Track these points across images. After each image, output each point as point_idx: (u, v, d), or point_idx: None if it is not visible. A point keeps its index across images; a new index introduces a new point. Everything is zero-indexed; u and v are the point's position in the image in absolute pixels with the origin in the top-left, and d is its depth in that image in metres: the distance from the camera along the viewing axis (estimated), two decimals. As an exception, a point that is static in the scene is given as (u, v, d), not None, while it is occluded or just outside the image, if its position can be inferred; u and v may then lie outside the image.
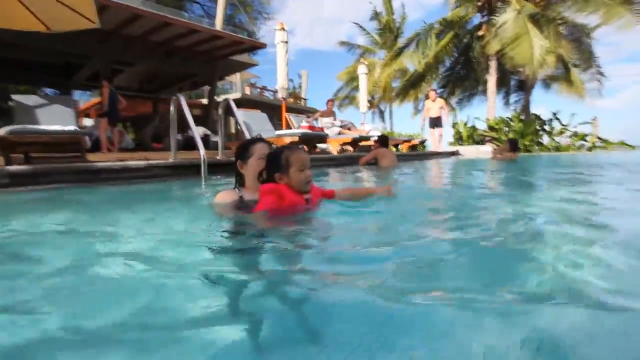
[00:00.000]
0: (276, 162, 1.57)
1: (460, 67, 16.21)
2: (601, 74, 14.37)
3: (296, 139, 5.88)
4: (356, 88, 22.83)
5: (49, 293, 0.89)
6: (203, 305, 0.79)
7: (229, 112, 4.51)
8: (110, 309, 0.79)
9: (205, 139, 9.06)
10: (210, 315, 0.75)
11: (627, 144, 12.94)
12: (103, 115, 6.97)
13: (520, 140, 11.62)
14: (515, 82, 15.96)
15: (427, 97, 15.89)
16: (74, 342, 0.67)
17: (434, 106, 10.80)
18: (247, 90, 15.59)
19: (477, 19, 14.62)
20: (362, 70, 10.17)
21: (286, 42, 7.10)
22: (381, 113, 24.69)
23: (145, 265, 1.06)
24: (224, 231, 1.47)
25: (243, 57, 10.49)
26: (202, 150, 3.29)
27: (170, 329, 0.70)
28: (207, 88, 11.85)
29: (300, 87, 24.22)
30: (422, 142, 11.77)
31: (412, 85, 17.40)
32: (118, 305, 0.81)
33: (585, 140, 12.64)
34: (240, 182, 1.87)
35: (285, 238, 1.28)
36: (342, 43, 22.78)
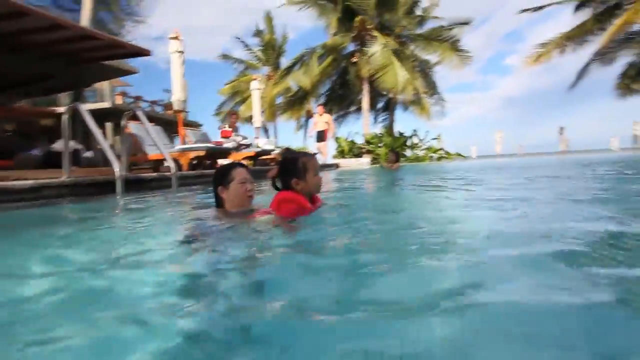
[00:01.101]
0: (293, 168, 1.63)
1: (339, 87, 18.06)
2: (442, 99, 18.25)
3: (202, 153, 5.61)
4: (240, 103, 22.62)
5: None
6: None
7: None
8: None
9: (75, 153, 7.61)
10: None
11: (461, 155, 16.86)
12: None
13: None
14: (382, 103, 18.72)
15: (308, 114, 17.02)
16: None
17: (321, 120, 11.82)
18: (119, 100, 13.72)
19: (352, 46, 16.65)
20: (255, 85, 10.30)
21: (182, 52, 6.68)
22: (265, 129, 25.11)
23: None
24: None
25: (120, 63, 9.26)
26: (116, 166, 2.89)
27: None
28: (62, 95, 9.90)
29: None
30: (314, 155, 12.59)
31: (296, 102, 18.40)
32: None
33: (436, 153, 15.81)
34: (219, 205, 1.83)
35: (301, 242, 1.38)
36: (225, 56, 22.40)
